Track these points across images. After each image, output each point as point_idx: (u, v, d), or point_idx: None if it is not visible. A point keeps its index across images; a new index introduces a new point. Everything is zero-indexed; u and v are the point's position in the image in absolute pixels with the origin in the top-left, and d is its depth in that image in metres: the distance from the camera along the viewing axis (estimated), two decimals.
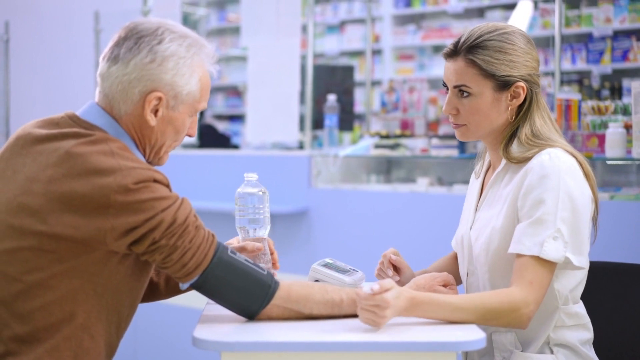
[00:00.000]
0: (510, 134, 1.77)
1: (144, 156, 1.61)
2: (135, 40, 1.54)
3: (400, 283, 1.89)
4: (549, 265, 1.65)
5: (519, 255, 1.66)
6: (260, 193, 1.82)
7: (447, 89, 1.80)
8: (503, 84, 1.75)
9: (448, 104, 1.79)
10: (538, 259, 1.64)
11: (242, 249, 1.79)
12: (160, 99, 1.55)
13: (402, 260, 1.93)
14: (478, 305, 1.61)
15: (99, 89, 1.59)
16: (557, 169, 1.67)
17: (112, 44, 1.57)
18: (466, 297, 1.64)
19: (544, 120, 1.78)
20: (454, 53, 1.77)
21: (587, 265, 1.73)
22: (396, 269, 1.93)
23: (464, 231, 1.86)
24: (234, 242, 1.85)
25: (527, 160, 1.72)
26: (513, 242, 1.68)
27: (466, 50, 1.75)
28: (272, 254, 1.83)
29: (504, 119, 1.77)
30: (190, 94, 1.58)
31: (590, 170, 1.74)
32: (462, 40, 1.77)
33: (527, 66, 1.76)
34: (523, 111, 1.77)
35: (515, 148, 1.75)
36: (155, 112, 1.56)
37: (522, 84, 1.75)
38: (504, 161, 1.78)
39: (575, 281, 1.75)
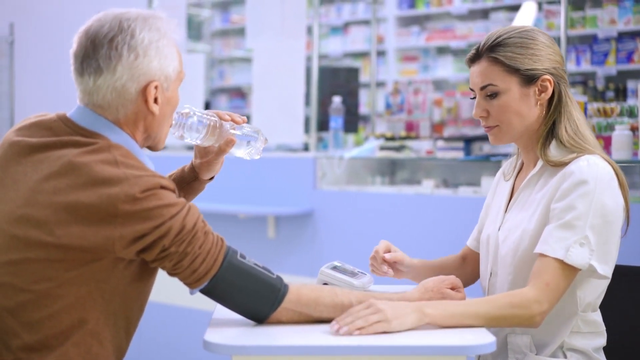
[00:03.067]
0: (546, 133, 1.76)
1: (142, 144, 1.60)
2: (107, 45, 1.51)
3: (399, 273, 1.93)
4: (571, 271, 1.65)
5: (542, 255, 1.66)
6: (195, 119, 1.68)
7: (475, 95, 1.80)
8: (529, 78, 1.74)
9: (477, 107, 1.78)
10: (561, 262, 1.64)
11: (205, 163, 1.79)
12: (157, 87, 1.54)
13: (397, 255, 1.94)
14: (490, 302, 1.61)
15: (86, 102, 1.54)
16: (595, 176, 1.66)
17: (79, 57, 1.52)
18: (477, 300, 1.64)
19: (579, 113, 1.77)
20: (476, 57, 1.78)
21: (610, 275, 1.72)
22: (391, 264, 1.94)
23: (490, 231, 1.85)
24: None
25: (563, 164, 1.71)
26: (540, 242, 1.68)
27: (488, 51, 1.76)
28: (227, 120, 1.73)
29: (535, 115, 1.76)
30: (175, 69, 1.57)
31: (625, 180, 1.73)
32: (482, 43, 1.78)
33: (551, 59, 1.76)
34: (554, 106, 1.76)
35: (553, 150, 1.74)
36: (155, 100, 1.55)
37: (548, 77, 1.75)
38: (539, 164, 1.77)
39: (598, 290, 1.75)
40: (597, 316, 1.77)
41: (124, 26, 1.51)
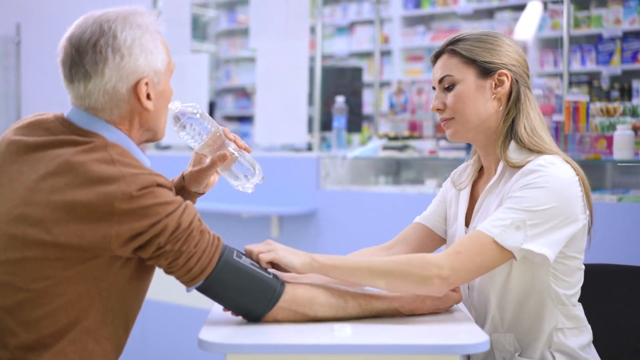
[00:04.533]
0: (505, 132, 1.75)
1: (140, 139, 1.60)
2: (91, 50, 1.51)
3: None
4: (501, 252, 1.62)
5: (476, 231, 1.63)
6: (198, 116, 1.66)
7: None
8: (485, 70, 1.76)
9: (435, 99, 1.80)
10: (492, 241, 1.61)
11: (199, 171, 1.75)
12: (147, 83, 1.55)
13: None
14: (389, 259, 1.62)
15: (78, 105, 1.56)
16: (549, 171, 1.66)
17: (67, 65, 1.54)
18: (379, 258, 1.65)
19: (537, 114, 1.77)
20: (439, 54, 1.82)
21: (557, 259, 1.70)
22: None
23: None
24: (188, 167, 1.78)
25: (522, 167, 1.70)
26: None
27: (449, 46, 1.79)
28: (230, 139, 1.72)
29: (491, 110, 1.76)
30: (163, 62, 1.58)
31: (586, 180, 1.72)
32: (445, 41, 1.81)
33: (510, 57, 1.77)
34: (512, 102, 1.76)
35: (512, 153, 1.74)
36: (148, 95, 1.55)
37: (505, 71, 1.75)
38: (499, 169, 1.76)
39: (572, 282, 1.73)
40: (579, 311, 1.76)
41: (104, 28, 1.52)
